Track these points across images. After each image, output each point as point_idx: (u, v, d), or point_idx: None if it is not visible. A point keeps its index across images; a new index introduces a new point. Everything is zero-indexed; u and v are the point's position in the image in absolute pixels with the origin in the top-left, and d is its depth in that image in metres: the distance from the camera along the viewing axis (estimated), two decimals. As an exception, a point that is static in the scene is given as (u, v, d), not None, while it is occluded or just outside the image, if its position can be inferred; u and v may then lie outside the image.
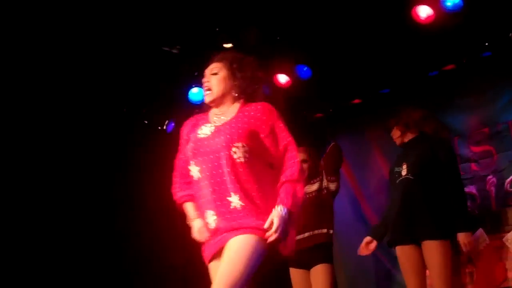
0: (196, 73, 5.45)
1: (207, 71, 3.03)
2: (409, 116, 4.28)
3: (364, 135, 6.25)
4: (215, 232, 2.78)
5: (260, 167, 2.84)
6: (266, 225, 2.70)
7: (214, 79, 2.98)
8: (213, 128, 2.88)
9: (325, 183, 4.46)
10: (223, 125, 2.88)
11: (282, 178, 2.81)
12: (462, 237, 3.95)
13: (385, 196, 5.14)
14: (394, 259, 4.77)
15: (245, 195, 2.75)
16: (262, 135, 2.85)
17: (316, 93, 5.89)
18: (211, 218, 2.78)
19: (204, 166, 2.81)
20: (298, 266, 4.38)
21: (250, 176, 2.78)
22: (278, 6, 4.92)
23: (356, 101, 6.17)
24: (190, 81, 5.61)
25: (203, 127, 2.91)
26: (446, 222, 4.00)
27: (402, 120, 4.29)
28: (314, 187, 4.46)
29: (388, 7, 4.83)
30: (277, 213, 2.71)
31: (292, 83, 5.67)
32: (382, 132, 5.20)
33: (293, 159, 2.84)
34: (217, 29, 5.12)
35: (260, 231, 2.69)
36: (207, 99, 3.00)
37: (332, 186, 4.45)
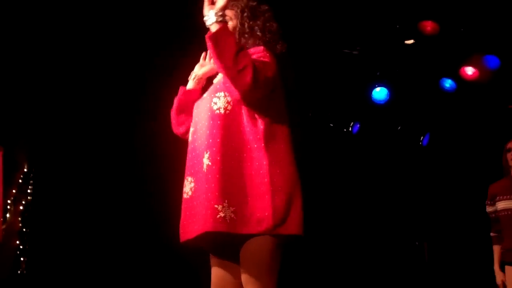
0: (378, 73, 5.43)
1: None
2: None
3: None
4: (190, 202, 2.45)
5: (245, 122, 2.44)
6: None
7: None
8: (212, 86, 2.60)
9: None
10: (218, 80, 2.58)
11: None
12: None
13: None
14: None
15: (213, 153, 2.39)
16: None
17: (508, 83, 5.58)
18: (188, 186, 2.48)
19: (193, 128, 2.56)
20: None
21: (228, 130, 2.42)
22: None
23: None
24: (372, 80, 5.58)
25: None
26: None
27: None
28: None
29: None
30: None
31: (479, 75, 5.42)
32: None
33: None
34: (398, 26, 5.04)
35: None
36: None
37: None
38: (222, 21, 2.41)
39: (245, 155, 2.42)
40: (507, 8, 4.67)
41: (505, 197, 4.09)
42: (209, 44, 2.38)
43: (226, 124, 2.44)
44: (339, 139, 6.05)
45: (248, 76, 2.33)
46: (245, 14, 2.60)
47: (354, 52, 5.41)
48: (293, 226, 2.38)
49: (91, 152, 5.27)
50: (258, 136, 2.43)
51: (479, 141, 5.76)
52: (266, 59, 2.43)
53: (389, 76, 5.49)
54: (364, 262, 5.91)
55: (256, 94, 2.39)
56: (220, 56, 2.36)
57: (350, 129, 5.98)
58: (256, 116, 2.44)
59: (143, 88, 5.13)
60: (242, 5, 2.62)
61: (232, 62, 2.35)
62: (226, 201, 2.37)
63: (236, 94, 2.39)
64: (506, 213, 4.05)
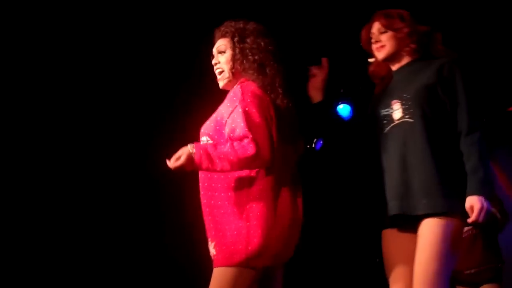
0: (341, 90, 5.43)
1: (214, 49, 2.71)
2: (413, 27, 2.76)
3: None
4: None
5: None
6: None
7: (223, 58, 2.67)
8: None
9: None
10: None
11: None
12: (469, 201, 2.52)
13: None
14: None
15: (202, 188, 2.57)
16: (223, 123, 2.52)
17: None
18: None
19: None
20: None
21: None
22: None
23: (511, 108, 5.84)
24: (336, 97, 5.59)
25: None
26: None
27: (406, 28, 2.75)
28: None
29: None
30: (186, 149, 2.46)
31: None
32: None
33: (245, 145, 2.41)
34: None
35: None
36: (221, 84, 2.70)
37: None
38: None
39: (222, 191, 2.49)
40: (472, 29, 4.73)
41: None
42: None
43: None
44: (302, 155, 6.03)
45: (250, 158, 2.41)
46: (236, 39, 2.63)
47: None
48: (265, 259, 2.41)
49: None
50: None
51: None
52: (253, 118, 2.44)
53: (352, 93, 5.50)
54: (323, 281, 5.87)
55: (272, 153, 2.44)
56: (222, 168, 2.43)
57: (313, 145, 5.97)
58: None
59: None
60: (233, 30, 2.65)
61: (232, 168, 2.43)
62: (210, 238, 2.51)
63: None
64: None
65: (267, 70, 2.59)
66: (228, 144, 2.43)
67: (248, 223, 2.40)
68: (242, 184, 2.47)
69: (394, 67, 2.80)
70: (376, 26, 2.78)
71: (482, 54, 5.14)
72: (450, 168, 2.57)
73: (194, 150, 2.43)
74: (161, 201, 5.25)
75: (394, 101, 2.69)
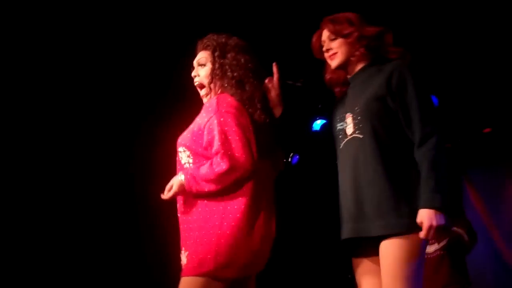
0: (319, 106, 5.45)
1: (195, 62, 2.71)
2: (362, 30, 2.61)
3: (498, 166, 5.95)
4: None
5: None
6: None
7: (202, 71, 2.66)
8: None
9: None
10: None
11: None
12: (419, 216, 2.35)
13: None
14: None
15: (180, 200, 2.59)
16: (200, 133, 2.53)
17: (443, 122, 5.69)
18: None
19: None
20: None
21: None
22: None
23: (487, 130, 5.90)
24: (313, 113, 5.61)
25: None
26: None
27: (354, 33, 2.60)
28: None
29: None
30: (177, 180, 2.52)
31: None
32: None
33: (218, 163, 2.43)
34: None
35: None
36: (203, 99, 2.69)
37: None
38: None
39: (198, 201, 2.49)
40: (444, 49, 4.78)
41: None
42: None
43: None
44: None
45: (225, 173, 2.42)
46: (216, 54, 2.62)
47: (297, 84, 5.42)
48: (233, 270, 2.39)
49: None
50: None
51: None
52: (228, 127, 2.44)
53: (330, 109, 5.53)
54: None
55: (251, 159, 2.44)
56: (209, 189, 2.46)
57: (289, 159, 5.98)
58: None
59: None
60: (214, 43, 2.64)
61: (216, 186, 2.44)
62: (183, 248, 2.50)
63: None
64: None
65: (246, 87, 2.58)
66: (207, 164, 2.45)
67: (219, 232, 2.40)
68: (217, 194, 2.46)
69: (349, 74, 2.65)
70: (325, 34, 2.63)
71: (460, 76, 5.21)
72: (405, 185, 2.38)
73: (183, 177, 2.48)
74: (139, 210, 5.21)
75: (348, 114, 2.55)
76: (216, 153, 2.43)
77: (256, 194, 2.50)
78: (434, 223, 2.28)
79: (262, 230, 2.49)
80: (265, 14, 4.68)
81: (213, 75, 2.61)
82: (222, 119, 2.45)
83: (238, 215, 2.44)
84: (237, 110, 2.51)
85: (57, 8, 4.48)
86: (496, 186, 5.95)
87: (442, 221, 2.29)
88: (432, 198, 2.30)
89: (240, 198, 2.46)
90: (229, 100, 2.53)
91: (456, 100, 5.42)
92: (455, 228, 4.12)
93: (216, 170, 2.41)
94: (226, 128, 2.44)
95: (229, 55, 2.61)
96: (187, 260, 2.46)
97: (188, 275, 2.43)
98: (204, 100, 2.69)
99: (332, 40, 2.61)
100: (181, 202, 2.56)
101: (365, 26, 2.59)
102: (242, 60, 2.61)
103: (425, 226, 2.29)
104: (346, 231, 2.49)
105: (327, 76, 2.73)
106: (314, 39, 2.69)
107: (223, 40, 2.66)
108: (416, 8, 4.65)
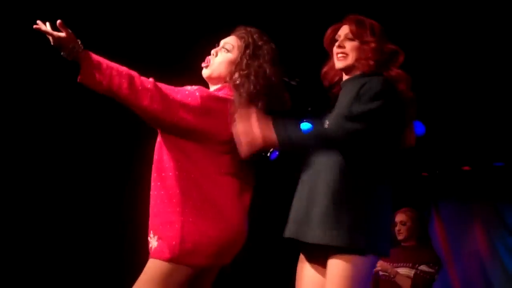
0: (309, 108, 5.46)
1: (223, 42, 2.60)
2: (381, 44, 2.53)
3: (468, 205, 6.03)
4: None
5: (165, 149, 2.49)
6: None
7: (222, 57, 2.55)
8: None
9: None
10: None
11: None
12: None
13: (477, 272, 4.90)
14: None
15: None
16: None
17: (426, 151, 5.75)
18: None
19: None
20: None
21: (156, 156, 2.53)
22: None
23: (466, 168, 5.98)
24: (302, 115, 5.62)
25: None
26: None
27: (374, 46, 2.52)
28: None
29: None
30: None
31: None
32: (489, 207, 4.93)
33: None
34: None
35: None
36: (203, 73, 2.59)
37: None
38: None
39: (159, 183, 2.44)
40: (432, 75, 4.81)
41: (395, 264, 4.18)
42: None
43: (157, 150, 2.50)
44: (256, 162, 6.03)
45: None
46: (248, 51, 2.52)
47: (292, 82, 5.43)
48: (199, 257, 2.37)
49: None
50: (172, 165, 2.42)
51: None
52: (191, 103, 2.37)
53: (319, 112, 5.54)
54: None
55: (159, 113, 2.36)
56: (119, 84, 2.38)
57: (268, 154, 5.98)
58: (173, 144, 2.44)
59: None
60: (250, 40, 2.55)
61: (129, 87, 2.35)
62: (152, 230, 2.46)
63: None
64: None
65: (259, 104, 2.48)
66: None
67: (190, 220, 2.37)
68: (191, 182, 2.42)
69: (344, 77, 2.58)
70: (345, 30, 2.54)
71: (454, 108, 5.25)
72: (357, 203, 2.33)
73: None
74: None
75: (327, 120, 2.53)
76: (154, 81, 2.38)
77: (232, 183, 2.48)
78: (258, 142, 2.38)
79: (234, 222, 2.46)
80: (265, 14, 4.69)
81: (232, 67, 2.50)
82: (190, 88, 2.44)
83: (208, 203, 2.41)
84: (216, 101, 2.46)
85: (57, 8, 4.45)
86: (463, 223, 6.02)
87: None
88: (282, 136, 2.41)
89: (213, 187, 2.44)
90: (213, 94, 2.49)
91: (444, 131, 5.47)
92: (430, 270, 4.15)
93: (143, 81, 2.36)
94: (185, 93, 2.41)
95: (257, 61, 2.51)
96: (157, 244, 2.42)
97: (154, 258, 2.41)
98: (204, 72, 2.61)
99: (348, 39, 2.52)
100: (153, 183, 2.50)
101: (385, 41, 2.51)
102: (268, 70, 2.51)
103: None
104: (288, 230, 2.46)
105: (325, 69, 2.68)
106: (330, 29, 2.60)
107: (260, 42, 2.56)
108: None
